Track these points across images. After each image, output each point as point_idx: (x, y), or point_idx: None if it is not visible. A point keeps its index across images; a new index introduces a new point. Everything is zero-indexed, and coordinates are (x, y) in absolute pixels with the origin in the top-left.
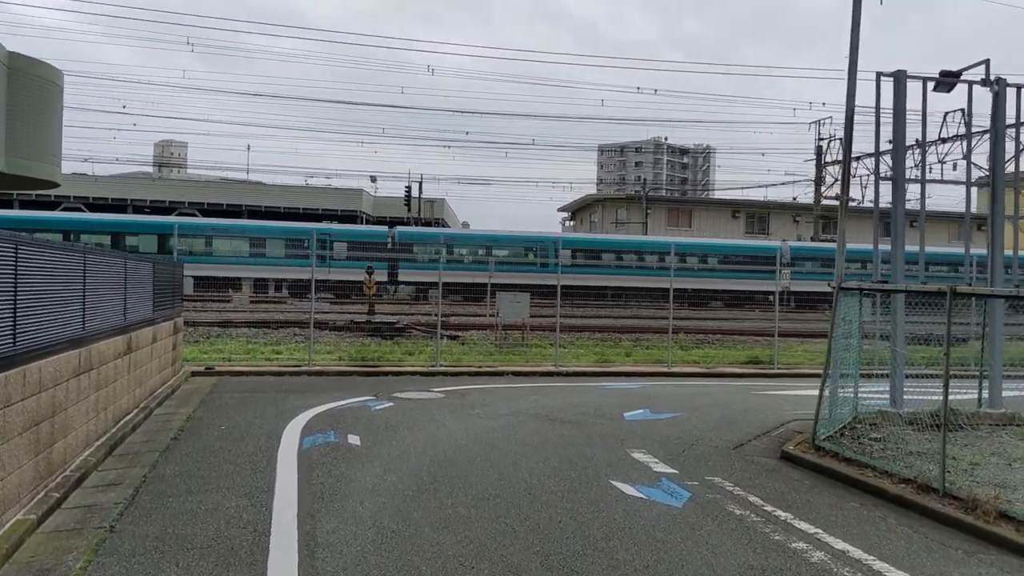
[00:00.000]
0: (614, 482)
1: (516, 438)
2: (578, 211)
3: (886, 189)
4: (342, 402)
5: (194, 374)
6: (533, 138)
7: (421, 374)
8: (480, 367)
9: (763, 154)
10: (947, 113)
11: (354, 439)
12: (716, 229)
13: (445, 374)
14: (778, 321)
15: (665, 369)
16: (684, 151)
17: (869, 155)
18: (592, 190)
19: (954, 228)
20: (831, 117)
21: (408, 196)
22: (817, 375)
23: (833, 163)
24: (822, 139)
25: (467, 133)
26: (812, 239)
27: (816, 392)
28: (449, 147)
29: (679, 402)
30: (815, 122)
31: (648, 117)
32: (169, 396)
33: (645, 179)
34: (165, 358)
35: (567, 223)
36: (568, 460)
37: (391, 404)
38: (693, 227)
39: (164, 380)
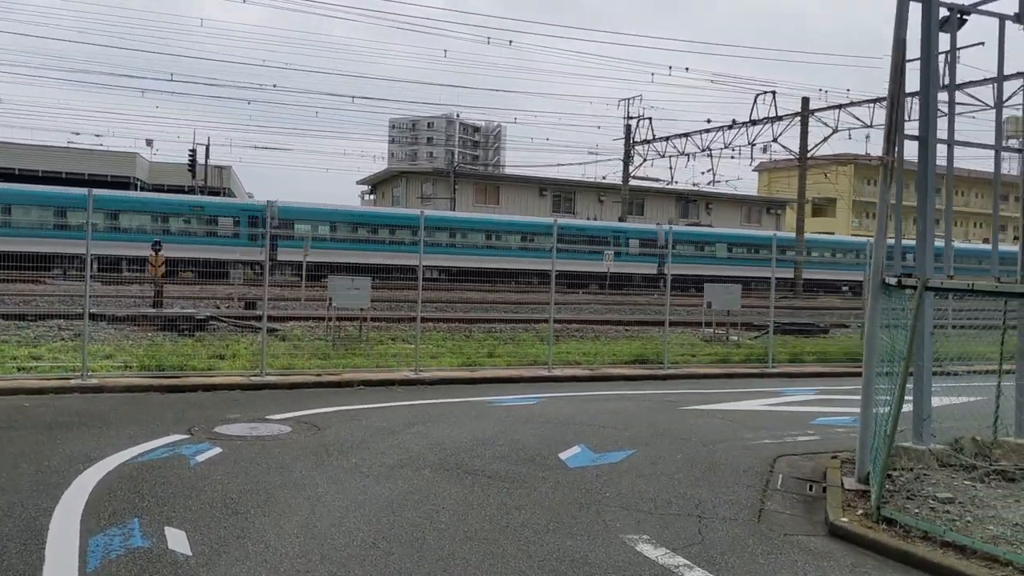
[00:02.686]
0: None
1: (442, 520)
2: (379, 184)
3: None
4: (141, 447)
5: None
6: (352, 96)
7: (242, 388)
8: (319, 375)
9: (599, 127)
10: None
11: (177, 539)
12: (523, 206)
13: (274, 387)
14: (669, 312)
15: (545, 372)
16: (476, 128)
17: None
18: (384, 165)
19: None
20: (640, 95)
21: (193, 162)
22: (713, 377)
23: (643, 142)
24: (631, 118)
25: (274, 85)
26: (620, 219)
27: (732, 406)
28: (251, 103)
29: (610, 430)
30: (624, 100)
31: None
32: None
33: (454, 152)
34: None
35: (367, 197)
36: (552, 570)
37: (218, 450)
38: (501, 204)
39: None
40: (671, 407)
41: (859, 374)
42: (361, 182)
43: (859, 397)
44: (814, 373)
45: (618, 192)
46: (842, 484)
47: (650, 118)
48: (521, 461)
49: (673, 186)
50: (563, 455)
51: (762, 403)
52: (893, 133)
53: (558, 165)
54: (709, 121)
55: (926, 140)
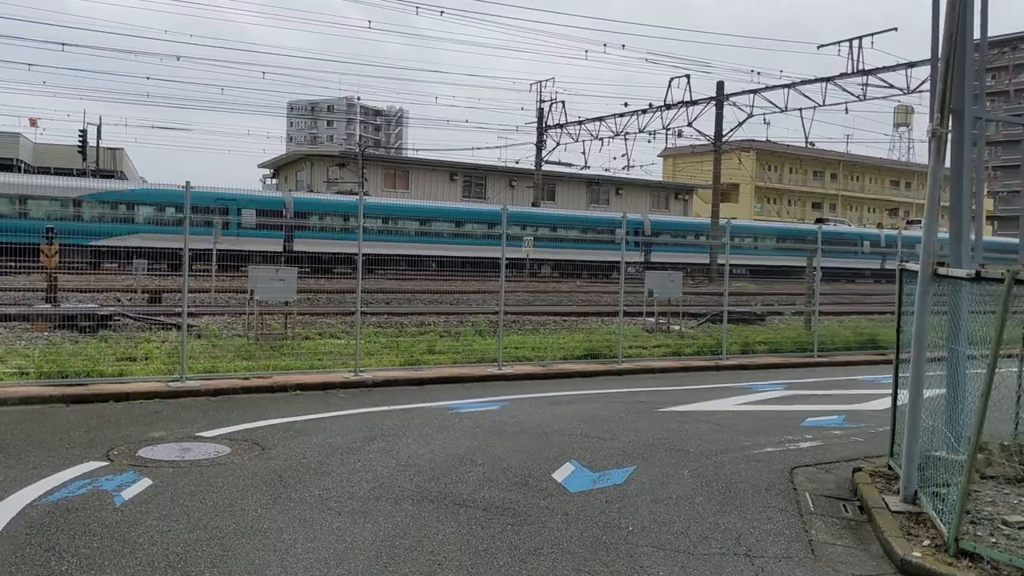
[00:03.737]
0: None
1: None
2: (282, 168)
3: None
4: (51, 481)
5: None
6: (263, 71)
7: (161, 396)
8: (247, 379)
9: (522, 108)
10: None
11: None
12: (434, 191)
13: (198, 394)
14: (623, 302)
15: (496, 371)
16: (377, 112)
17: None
18: (283, 148)
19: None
20: (553, 78)
21: (84, 143)
22: (669, 371)
23: (556, 126)
24: (543, 101)
25: (179, 58)
26: (533, 204)
27: (705, 406)
28: (149, 78)
29: (595, 441)
30: (536, 83)
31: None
32: None
33: (359, 135)
34: None
35: (268, 181)
36: None
37: (147, 482)
38: (411, 188)
39: None
40: (646, 409)
41: (813, 365)
42: (263, 165)
43: (831, 392)
44: (769, 365)
45: (530, 177)
46: (886, 505)
47: (563, 101)
48: (513, 485)
49: (585, 171)
50: (557, 476)
51: (736, 402)
52: (947, 99)
53: (473, 149)
54: (626, 104)
55: (962, 112)
